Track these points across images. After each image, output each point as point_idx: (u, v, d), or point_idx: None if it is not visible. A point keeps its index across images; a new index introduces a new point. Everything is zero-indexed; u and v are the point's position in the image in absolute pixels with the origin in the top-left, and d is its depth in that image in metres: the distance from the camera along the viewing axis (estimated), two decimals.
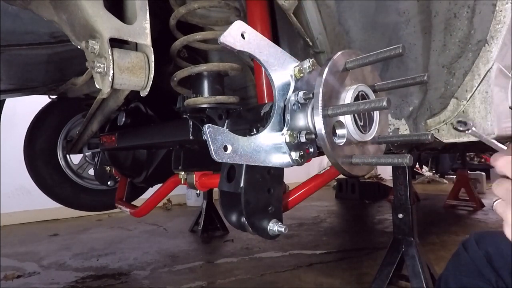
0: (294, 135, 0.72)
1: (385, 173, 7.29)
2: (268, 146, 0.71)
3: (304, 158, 0.74)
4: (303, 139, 0.73)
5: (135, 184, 1.97)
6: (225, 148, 0.62)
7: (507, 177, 0.49)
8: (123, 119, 1.70)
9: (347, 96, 0.75)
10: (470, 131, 0.56)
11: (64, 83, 1.71)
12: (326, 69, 0.71)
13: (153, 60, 0.89)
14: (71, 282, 2.18)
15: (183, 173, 1.29)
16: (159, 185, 1.72)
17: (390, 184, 2.51)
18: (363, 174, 0.86)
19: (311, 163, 0.94)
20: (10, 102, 2.09)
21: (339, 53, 0.75)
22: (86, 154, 2.31)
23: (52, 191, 2.20)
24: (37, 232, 3.66)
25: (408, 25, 1.05)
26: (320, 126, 0.69)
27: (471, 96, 1.01)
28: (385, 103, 0.62)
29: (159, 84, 1.07)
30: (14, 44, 1.25)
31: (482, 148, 4.47)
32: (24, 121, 2.25)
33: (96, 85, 0.89)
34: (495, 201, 0.51)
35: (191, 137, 1.09)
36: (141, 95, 0.93)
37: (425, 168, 7.59)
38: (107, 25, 0.81)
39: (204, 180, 1.26)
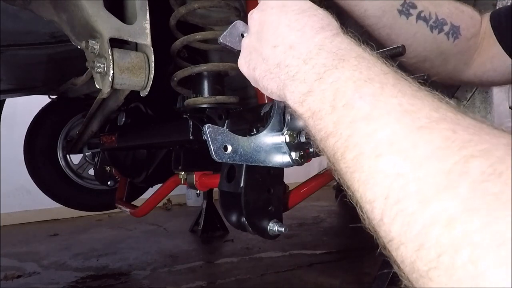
0: (294, 135, 0.72)
1: None
2: (268, 146, 0.71)
3: (304, 158, 0.74)
4: (303, 139, 0.73)
5: (135, 184, 1.97)
6: (225, 148, 0.62)
7: None
8: (123, 119, 1.70)
9: None
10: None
11: (64, 83, 1.71)
12: None
13: (153, 60, 0.89)
14: (71, 282, 2.18)
15: (183, 173, 1.29)
16: (159, 185, 1.72)
17: None
18: None
19: (311, 163, 0.94)
20: (10, 102, 2.09)
21: None
22: (86, 154, 2.31)
23: (52, 191, 2.20)
24: (37, 232, 3.66)
25: None
26: None
27: (471, 96, 1.01)
28: None
29: (159, 84, 1.07)
30: (14, 44, 1.25)
31: None
32: (24, 121, 2.24)
33: (96, 85, 0.89)
34: None
35: (191, 137, 1.09)
36: (141, 95, 0.93)
37: None
38: (107, 25, 0.81)
39: (204, 180, 1.25)
